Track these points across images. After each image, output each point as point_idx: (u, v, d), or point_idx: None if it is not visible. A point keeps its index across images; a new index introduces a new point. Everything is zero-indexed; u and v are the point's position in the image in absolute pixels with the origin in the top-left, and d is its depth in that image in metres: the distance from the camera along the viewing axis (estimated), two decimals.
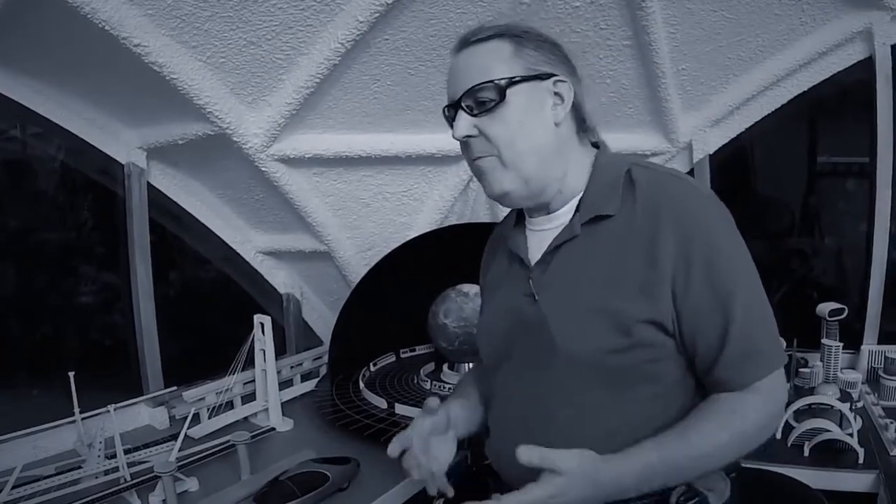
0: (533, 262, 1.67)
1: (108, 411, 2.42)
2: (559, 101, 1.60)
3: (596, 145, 1.73)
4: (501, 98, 1.53)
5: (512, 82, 1.54)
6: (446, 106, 1.63)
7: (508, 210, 1.87)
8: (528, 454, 1.39)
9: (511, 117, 1.55)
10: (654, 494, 1.49)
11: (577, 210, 1.62)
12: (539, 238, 1.69)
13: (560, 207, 1.66)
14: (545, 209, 1.67)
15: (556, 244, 1.62)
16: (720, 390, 1.52)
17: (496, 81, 1.53)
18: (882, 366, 3.00)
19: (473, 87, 1.54)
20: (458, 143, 1.65)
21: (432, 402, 1.72)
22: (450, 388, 2.87)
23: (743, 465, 1.68)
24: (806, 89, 3.12)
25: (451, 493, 1.73)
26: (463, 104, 1.56)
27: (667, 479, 1.46)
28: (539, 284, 1.63)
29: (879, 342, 3.15)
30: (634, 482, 1.43)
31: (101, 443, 2.29)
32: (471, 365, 3.03)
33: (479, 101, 1.54)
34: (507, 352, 1.69)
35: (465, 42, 1.61)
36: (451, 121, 1.62)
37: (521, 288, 1.67)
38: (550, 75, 1.58)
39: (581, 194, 1.64)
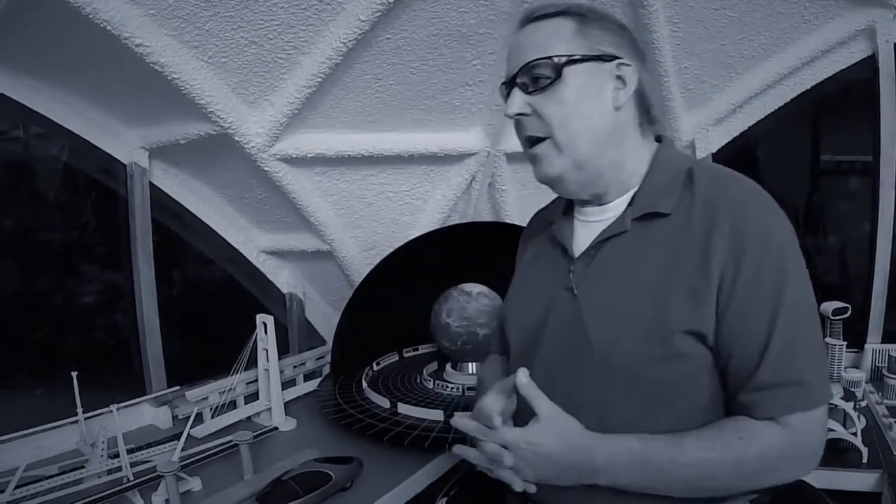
0: (577, 254, 1.60)
1: (111, 411, 2.42)
2: (621, 84, 1.52)
3: (658, 139, 1.66)
4: (557, 76, 1.47)
5: (571, 61, 1.47)
6: (503, 83, 1.58)
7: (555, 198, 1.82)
8: (524, 379, 1.43)
9: (567, 97, 1.49)
10: None
11: (629, 204, 1.55)
12: (587, 229, 1.62)
13: (613, 199, 1.59)
14: (598, 200, 1.61)
15: (603, 237, 1.55)
16: (746, 415, 1.40)
17: (553, 59, 1.47)
18: (886, 365, 2.99)
19: (529, 63, 1.49)
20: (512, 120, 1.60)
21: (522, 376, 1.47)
22: (452, 388, 2.87)
23: None
24: (809, 87, 3.11)
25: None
26: (518, 81, 1.52)
27: (644, 477, 1.40)
28: (580, 279, 1.56)
29: (883, 341, 3.14)
30: (603, 459, 1.39)
31: (103, 442, 2.29)
32: (475, 365, 3.03)
33: (535, 77, 1.49)
34: (536, 344, 1.62)
35: (528, 18, 1.56)
36: (507, 98, 1.57)
37: (560, 280, 1.60)
38: (614, 57, 1.51)
39: (637, 188, 1.57)
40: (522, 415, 1.48)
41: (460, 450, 1.54)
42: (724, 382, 1.44)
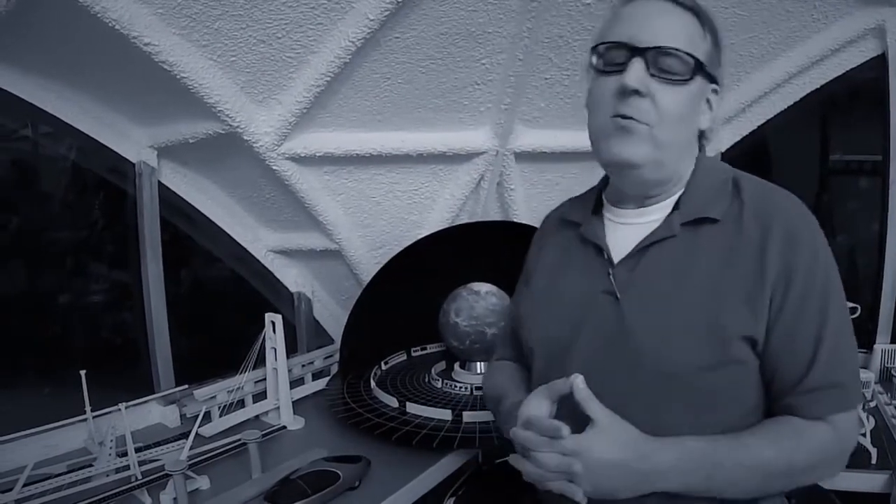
0: (617, 258, 1.56)
1: (119, 409, 2.42)
2: (708, 108, 1.54)
3: None
4: (690, 78, 1.44)
5: (700, 68, 1.45)
6: (611, 43, 1.46)
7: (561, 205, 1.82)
8: (582, 384, 1.39)
9: (683, 100, 1.45)
10: None
11: (675, 208, 1.53)
12: (624, 231, 1.58)
13: (656, 203, 1.57)
14: (640, 202, 1.58)
15: (649, 242, 1.51)
16: (792, 415, 1.44)
17: (695, 59, 1.43)
18: (895, 365, 2.98)
19: (670, 48, 1.41)
20: (596, 93, 1.51)
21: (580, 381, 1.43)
22: (461, 387, 2.87)
23: None
24: (818, 87, 3.10)
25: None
26: (647, 56, 1.41)
27: (709, 477, 1.37)
28: (624, 283, 1.52)
29: (892, 342, 3.14)
30: (673, 463, 1.36)
31: (112, 441, 2.29)
32: (483, 364, 3.02)
33: (666, 66, 1.42)
34: (570, 349, 1.55)
35: None
36: (603, 60, 1.48)
37: (598, 283, 1.55)
38: (714, 80, 1.52)
39: (681, 192, 1.55)
40: (568, 422, 1.41)
41: (516, 461, 1.50)
42: (768, 387, 1.46)
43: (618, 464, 1.35)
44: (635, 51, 1.42)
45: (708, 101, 1.53)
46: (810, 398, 1.41)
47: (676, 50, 1.41)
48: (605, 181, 1.73)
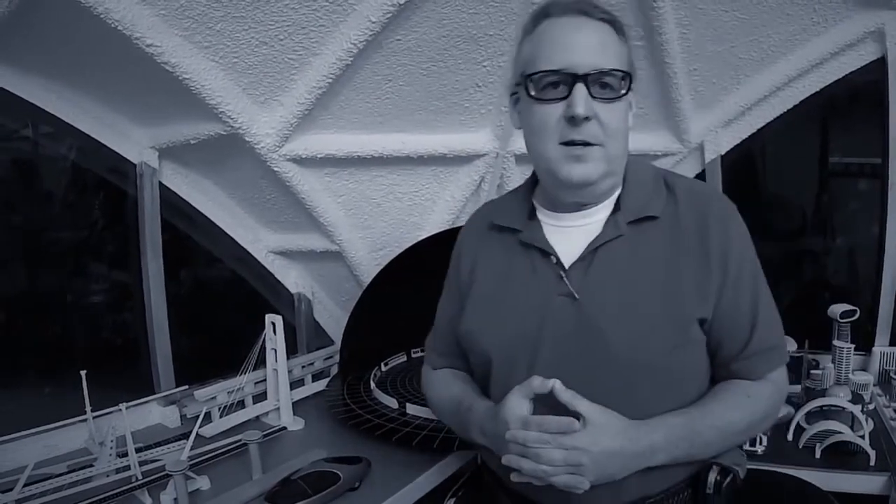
0: (565, 261, 1.62)
1: (120, 410, 2.42)
2: (629, 108, 1.63)
3: None
4: (626, 92, 1.53)
5: (631, 80, 1.55)
6: (552, 72, 1.50)
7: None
8: (560, 385, 1.47)
9: (622, 114, 1.56)
10: (691, 476, 1.60)
11: (615, 208, 1.62)
12: (566, 235, 1.65)
13: (596, 204, 1.64)
14: (578, 204, 1.65)
15: (600, 242, 1.59)
16: (735, 378, 1.64)
17: (627, 73, 1.53)
18: (894, 367, 2.99)
19: (610, 69, 1.49)
20: (540, 122, 1.56)
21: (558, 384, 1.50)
22: None
23: (754, 466, 1.71)
24: (818, 90, 3.10)
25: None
26: (588, 81, 1.48)
27: (691, 445, 1.53)
28: (580, 284, 1.58)
29: (891, 344, 3.13)
30: (663, 440, 1.49)
31: (112, 441, 2.29)
32: None
33: (606, 85, 1.50)
34: (532, 353, 1.61)
35: (580, 10, 1.53)
36: (538, 88, 1.54)
37: (551, 287, 1.61)
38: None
39: (617, 193, 1.64)
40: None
41: (512, 461, 1.50)
42: (712, 358, 1.65)
43: (617, 451, 1.45)
44: (576, 78, 1.47)
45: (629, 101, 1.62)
46: (754, 362, 1.61)
47: (613, 70, 1.50)
48: (529, 187, 1.80)
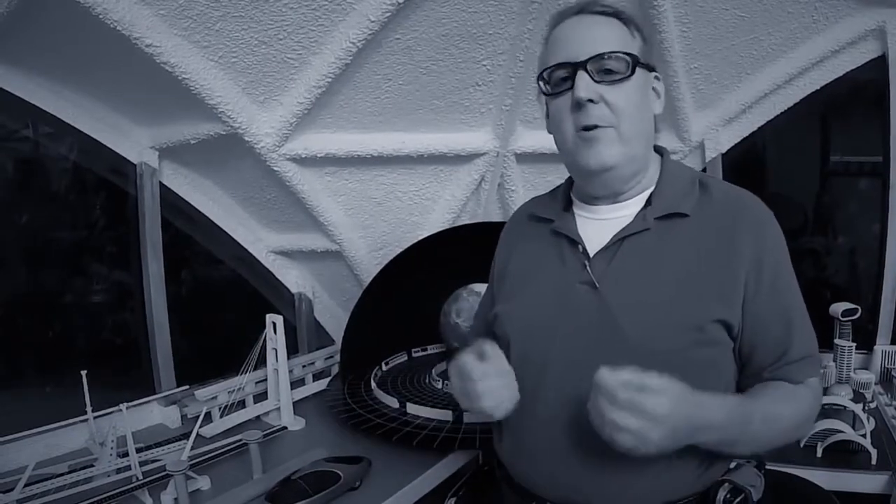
0: (591, 251, 1.64)
1: (121, 410, 2.42)
2: (656, 96, 1.67)
3: (656, 149, 1.75)
4: (631, 72, 1.54)
5: (639, 62, 1.56)
6: (557, 66, 1.58)
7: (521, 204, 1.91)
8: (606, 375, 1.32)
9: (634, 94, 1.56)
10: (700, 493, 1.55)
11: (647, 204, 1.64)
12: (598, 226, 1.67)
13: (629, 198, 1.66)
14: (614, 198, 1.67)
15: (625, 234, 1.60)
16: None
17: (629, 55, 1.54)
18: (895, 366, 2.98)
19: (605, 52, 1.52)
20: (550, 113, 1.64)
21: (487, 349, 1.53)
22: None
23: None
24: (818, 88, 3.10)
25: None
26: (589, 67, 1.52)
27: (742, 432, 1.46)
28: (601, 274, 1.59)
29: (892, 342, 3.14)
30: (722, 418, 1.41)
31: (113, 441, 2.29)
32: None
33: (606, 69, 1.53)
34: (550, 339, 1.61)
35: (584, 10, 1.60)
36: (551, 84, 1.61)
37: (574, 275, 1.62)
38: (654, 69, 1.65)
39: (652, 189, 1.65)
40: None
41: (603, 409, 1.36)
42: (745, 364, 1.60)
43: (682, 413, 1.34)
44: (577, 65, 1.53)
45: (654, 88, 1.66)
46: (793, 368, 1.56)
47: (611, 52, 1.53)
48: (570, 182, 1.83)
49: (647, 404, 1.29)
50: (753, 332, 1.55)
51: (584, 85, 1.51)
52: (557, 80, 1.59)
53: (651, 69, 1.64)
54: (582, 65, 1.52)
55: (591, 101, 1.52)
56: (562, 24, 1.62)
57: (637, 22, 1.63)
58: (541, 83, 1.64)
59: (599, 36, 1.55)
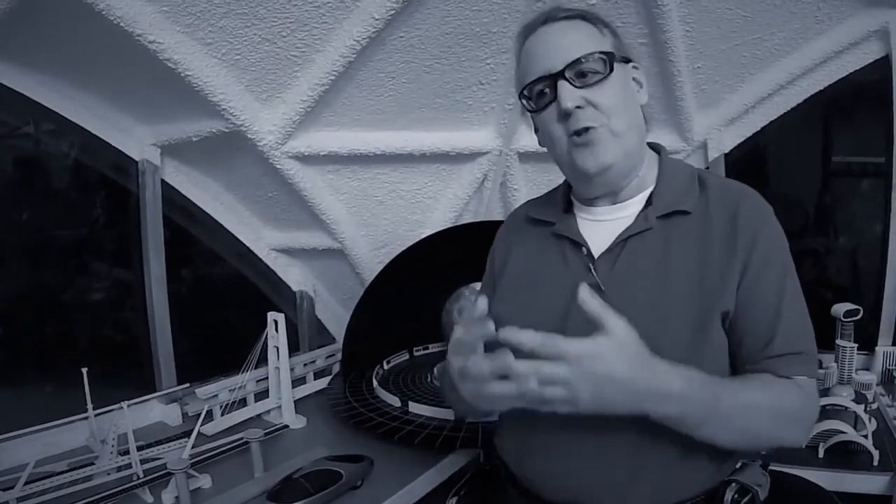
0: (594, 253, 1.63)
1: (121, 408, 2.41)
2: (639, 86, 1.67)
3: (652, 147, 1.75)
4: (610, 70, 1.55)
5: (614, 58, 1.56)
6: (535, 81, 1.59)
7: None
8: (587, 297, 1.32)
9: (617, 89, 1.56)
10: (707, 492, 1.53)
11: (648, 203, 1.63)
12: (599, 228, 1.66)
13: (629, 199, 1.66)
14: (613, 198, 1.67)
15: (628, 235, 1.60)
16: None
17: (604, 54, 1.54)
18: None
19: (580, 56, 1.53)
20: (537, 127, 1.69)
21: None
22: None
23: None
24: (821, 88, 3.10)
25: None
26: (567, 75, 1.53)
27: (709, 410, 1.40)
28: (606, 275, 1.59)
29: (894, 343, 3.13)
30: (680, 389, 1.35)
31: (113, 439, 2.28)
32: None
33: (584, 72, 1.54)
34: None
35: (548, 19, 1.61)
36: (534, 100, 1.62)
37: (578, 277, 1.58)
38: (630, 60, 1.65)
39: (652, 188, 1.65)
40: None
41: (498, 388, 1.37)
42: (734, 355, 1.57)
43: (624, 376, 1.31)
44: (555, 76, 1.55)
45: (635, 79, 1.67)
46: (778, 363, 1.51)
47: (586, 55, 1.54)
48: (568, 184, 1.82)
49: (570, 351, 1.28)
50: (739, 319, 1.54)
51: (567, 94, 1.53)
52: (539, 94, 1.60)
53: (628, 61, 1.64)
54: (560, 74, 1.54)
55: (577, 107, 1.53)
56: (530, 38, 1.63)
57: (603, 19, 1.65)
58: (523, 101, 1.66)
59: (571, 42, 1.56)
